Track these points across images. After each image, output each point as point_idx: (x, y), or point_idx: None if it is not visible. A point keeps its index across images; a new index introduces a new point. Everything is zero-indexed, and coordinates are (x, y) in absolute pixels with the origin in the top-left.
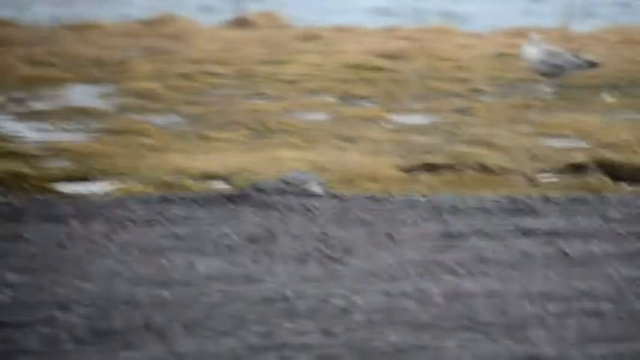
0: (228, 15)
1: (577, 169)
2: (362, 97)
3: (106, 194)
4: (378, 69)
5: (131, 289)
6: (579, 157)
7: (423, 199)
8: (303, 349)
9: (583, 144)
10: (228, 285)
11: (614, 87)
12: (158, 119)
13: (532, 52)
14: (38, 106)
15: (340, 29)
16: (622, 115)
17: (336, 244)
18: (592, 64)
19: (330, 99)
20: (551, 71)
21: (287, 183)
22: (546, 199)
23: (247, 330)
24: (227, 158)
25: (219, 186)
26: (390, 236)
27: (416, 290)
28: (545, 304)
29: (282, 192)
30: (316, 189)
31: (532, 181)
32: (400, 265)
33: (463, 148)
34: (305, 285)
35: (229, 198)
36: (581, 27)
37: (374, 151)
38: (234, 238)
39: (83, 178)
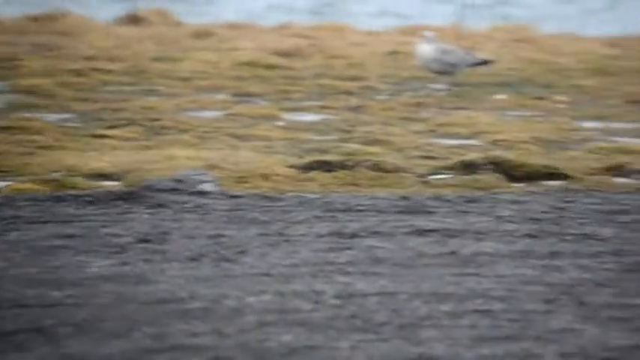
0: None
1: (470, 167)
2: (256, 95)
3: None
4: (272, 67)
5: (20, 289)
6: (472, 156)
7: (316, 198)
8: (196, 351)
9: (476, 142)
10: (120, 286)
11: (506, 85)
12: (50, 117)
13: (425, 49)
14: None
15: (234, 27)
16: (514, 113)
17: (229, 243)
18: (485, 62)
19: (224, 97)
20: (445, 69)
21: (180, 181)
22: (439, 198)
23: (139, 331)
24: (119, 156)
25: (112, 184)
26: (283, 236)
27: (309, 290)
28: (438, 304)
29: (175, 191)
30: (209, 188)
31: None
32: (294, 265)
33: (357, 147)
34: (198, 285)
35: (121, 197)
36: (475, 25)
37: (267, 149)
38: (127, 238)
39: None
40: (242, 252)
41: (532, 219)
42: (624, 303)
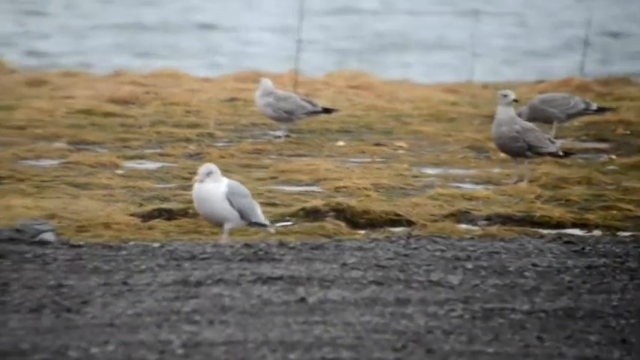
0: None
1: (313, 214)
2: (93, 143)
3: None
4: (109, 114)
5: None
6: (315, 203)
7: (159, 246)
8: None
9: (318, 189)
10: None
11: (345, 131)
12: None
13: (261, 96)
14: None
15: (68, 74)
16: (355, 159)
17: (71, 293)
18: (328, 111)
19: (61, 145)
20: (282, 116)
21: (19, 231)
22: (284, 245)
23: None
24: None
25: None
26: (126, 285)
27: (155, 340)
28: (285, 353)
29: (14, 240)
30: (49, 237)
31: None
32: (138, 315)
33: None
34: (40, 337)
35: None
36: (310, 71)
37: (107, 197)
38: None
39: None
40: (84, 302)
41: (377, 266)
42: (474, 350)
